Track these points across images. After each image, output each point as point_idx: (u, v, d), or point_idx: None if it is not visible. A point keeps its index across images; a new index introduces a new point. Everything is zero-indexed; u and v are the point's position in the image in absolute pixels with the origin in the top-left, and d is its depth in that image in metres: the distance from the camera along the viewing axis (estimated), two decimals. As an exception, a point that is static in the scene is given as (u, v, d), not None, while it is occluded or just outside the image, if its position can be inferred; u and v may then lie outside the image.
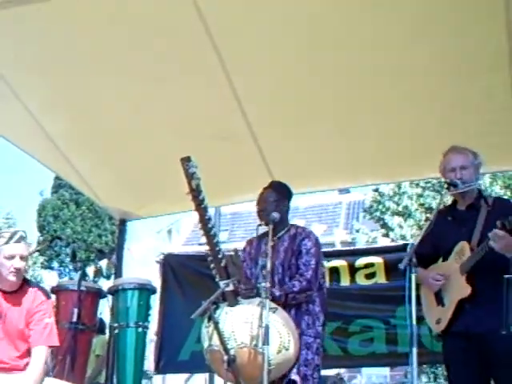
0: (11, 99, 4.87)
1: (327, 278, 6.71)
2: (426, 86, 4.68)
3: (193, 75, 4.65)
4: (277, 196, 4.34)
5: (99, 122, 5.24)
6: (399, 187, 14.64)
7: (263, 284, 3.58)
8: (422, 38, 4.31)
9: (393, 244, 11.62)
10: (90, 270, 8.34)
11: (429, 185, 14.19)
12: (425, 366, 11.19)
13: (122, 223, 6.98)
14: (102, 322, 6.80)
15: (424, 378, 13.63)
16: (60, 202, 20.17)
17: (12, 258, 3.73)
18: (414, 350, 3.35)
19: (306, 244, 4.19)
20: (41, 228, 19.91)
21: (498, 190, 14.24)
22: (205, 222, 3.72)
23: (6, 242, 3.75)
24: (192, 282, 6.66)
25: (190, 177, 3.61)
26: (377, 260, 6.47)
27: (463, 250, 3.73)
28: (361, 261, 6.63)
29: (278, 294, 3.96)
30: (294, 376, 3.99)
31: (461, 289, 3.68)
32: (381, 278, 6.43)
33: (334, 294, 6.66)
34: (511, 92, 4.67)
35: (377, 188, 15.83)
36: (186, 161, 3.62)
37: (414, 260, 3.40)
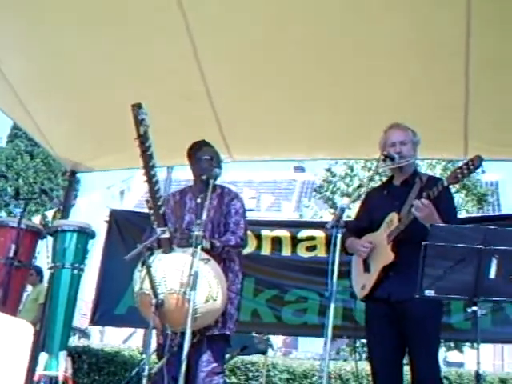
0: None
1: (269, 247, 6.91)
2: (384, 65, 4.80)
3: (156, 31, 4.71)
4: (216, 155, 4.47)
5: (59, 70, 5.25)
6: (352, 169, 14.79)
7: (197, 232, 3.67)
8: (385, 19, 4.41)
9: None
10: (36, 220, 8.32)
11: (381, 170, 14.18)
12: (358, 344, 11.40)
13: (73, 175, 7.01)
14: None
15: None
16: (14, 152, 19.88)
17: None
18: (332, 306, 3.46)
19: (235, 204, 4.32)
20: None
21: (438, 172, 14.41)
22: (148, 169, 3.79)
23: None
24: (136, 238, 6.57)
25: (138, 123, 3.66)
26: (319, 234, 6.61)
27: (392, 220, 3.87)
28: (303, 233, 6.77)
29: (217, 244, 4.07)
30: (227, 331, 4.12)
31: (385, 256, 3.84)
32: (321, 252, 6.58)
33: (275, 263, 6.85)
34: (464, 78, 4.82)
35: (329, 168, 15.99)
36: (136, 107, 3.67)
37: (342, 221, 3.53)
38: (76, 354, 9.77)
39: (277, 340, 22.84)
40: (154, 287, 3.75)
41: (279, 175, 26.62)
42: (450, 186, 3.70)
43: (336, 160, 13.87)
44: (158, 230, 3.88)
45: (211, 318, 3.95)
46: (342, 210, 3.57)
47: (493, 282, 3.15)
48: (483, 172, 16.20)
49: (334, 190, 15.02)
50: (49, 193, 5.11)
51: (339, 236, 3.47)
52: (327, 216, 14.68)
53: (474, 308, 3.23)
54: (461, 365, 16.94)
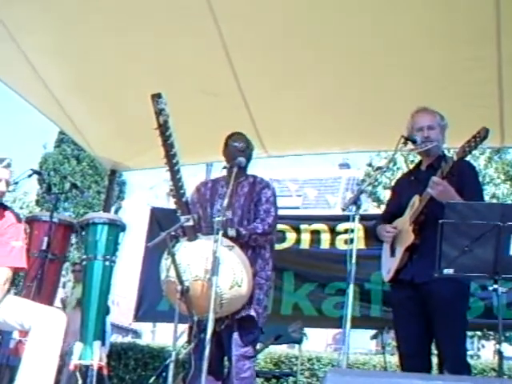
0: (7, 41, 4.96)
1: (308, 240, 6.91)
2: (412, 57, 4.79)
3: (183, 27, 4.79)
4: (247, 144, 4.50)
5: (94, 70, 5.37)
6: (394, 163, 14.68)
7: (218, 218, 3.71)
8: (408, 10, 4.41)
9: (373, 212, 11.69)
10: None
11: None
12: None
13: (113, 174, 7.13)
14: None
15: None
16: (61, 156, 20.20)
17: None
18: (351, 287, 3.48)
19: (266, 193, 4.34)
20: (40, 181, 19.96)
21: (491, 173, 14.25)
22: (170, 158, 3.85)
23: None
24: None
25: (158, 112, 3.73)
26: (358, 226, 6.57)
27: (415, 203, 3.86)
28: (341, 226, 6.75)
29: (243, 232, 4.11)
30: (253, 312, 4.13)
31: (407, 238, 3.83)
32: (360, 244, 6.53)
33: (314, 256, 6.86)
34: (497, 65, 4.76)
35: (370, 163, 15.98)
36: (156, 97, 3.73)
37: (360, 203, 3.54)
38: (122, 351, 9.93)
39: (327, 336, 22.85)
40: (179, 274, 3.80)
41: (324, 172, 26.52)
42: (476, 165, 3.67)
43: (369, 152, 13.78)
44: (182, 218, 3.94)
45: (237, 304, 3.99)
46: (360, 192, 3.58)
47: (513, 259, 3.11)
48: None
49: (376, 184, 14.96)
50: (79, 187, 5.19)
51: (357, 217, 3.49)
52: (371, 209, 14.64)
53: (495, 286, 3.18)
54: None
